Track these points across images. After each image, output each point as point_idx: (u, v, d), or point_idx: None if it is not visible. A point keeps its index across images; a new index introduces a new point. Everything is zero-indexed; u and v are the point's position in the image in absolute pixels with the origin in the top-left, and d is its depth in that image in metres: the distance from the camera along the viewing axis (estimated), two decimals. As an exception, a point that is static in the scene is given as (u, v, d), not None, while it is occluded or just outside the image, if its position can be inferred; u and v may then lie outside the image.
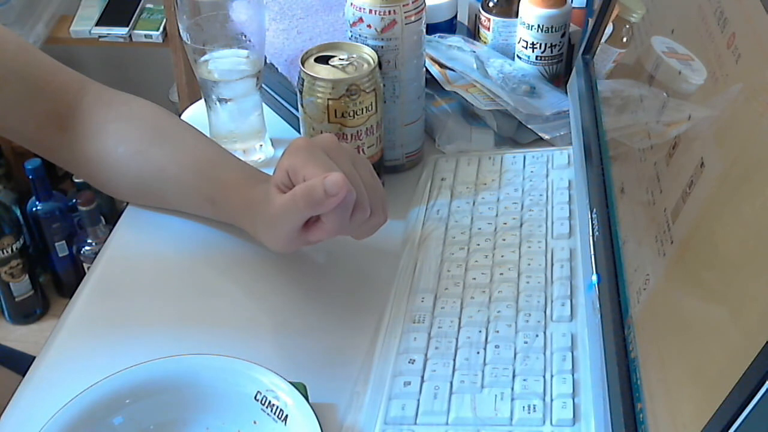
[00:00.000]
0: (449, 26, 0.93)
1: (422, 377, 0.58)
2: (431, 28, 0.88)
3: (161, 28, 1.82)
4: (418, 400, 0.56)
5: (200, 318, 0.67)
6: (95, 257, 0.75)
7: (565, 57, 0.89)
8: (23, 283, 1.83)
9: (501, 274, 0.66)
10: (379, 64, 0.73)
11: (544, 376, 0.57)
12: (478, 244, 0.69)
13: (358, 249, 0.72)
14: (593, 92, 0.73)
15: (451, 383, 0.57)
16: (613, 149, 0.66)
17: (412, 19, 0.73)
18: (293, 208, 0.61)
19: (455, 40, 0.90)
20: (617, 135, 0.66)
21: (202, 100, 0.83)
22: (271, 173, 0.69)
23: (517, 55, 0.89)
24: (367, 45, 0.73)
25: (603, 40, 0.74)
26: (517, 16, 0.88)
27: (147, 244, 0.75)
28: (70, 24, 1.86)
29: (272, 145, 0.85)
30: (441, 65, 0.86)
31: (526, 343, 0.59)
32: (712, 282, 0.42)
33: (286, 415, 0.55)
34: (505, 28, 0.90)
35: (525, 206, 0.72)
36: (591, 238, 0.61)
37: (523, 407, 0.55)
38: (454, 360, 0.59)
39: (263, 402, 0.56)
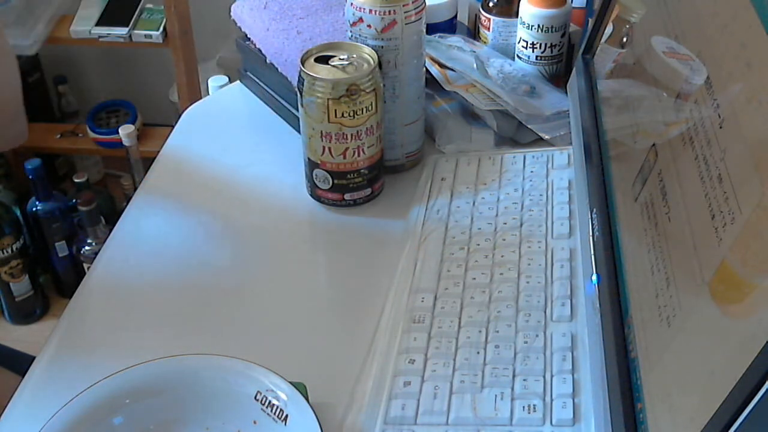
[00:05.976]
0: (449, 26, 0.93)
1: (422, 377, 0.58)
2: (431, 28, 0.88)
3: (161, 28, 1.82)
4: (418, 400, 0.56)
5: (200, 318, 0.67)
6: (95, 257, 0.75)
7: (565, 57, 0.89)
8: (23, 283, 1.83)
9: (501, 274, 0.66)
10: (379, 64, 0.73)
11: (544, 376, 0.57)
12: (478, 244, 0.69)
13: (358, 249, 0.72)
14: (593, 92, 0.73)
15: (451, 383, 0.57)
16: (613, 149, 0.66)
17: (412, 19, 0.73)
18: None
19: (455, 40, 0.90)
20: (617, 135, 0.66)
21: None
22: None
23: (517, 55, 0.89)
24: (367, 45, 0.73)
25: (603, 40, 0.74)
26: (517, 16, 0.88)
27: (147, 244, 0.76)
28: (70, 24, 1.85)
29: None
30: (441, 65, 0.86)
31: (526, 343, 0.59)
32: (713, 281, 0.42)
33: (286, 415, 0.55)
34: (505, 28, 0.90)
35: (525, 206, 0.72)
36: (591, 238, 0.61)
37: (523, 407, 0.55)
38: (454, 360, 0.59)
39: (263, 402, 0.56)
